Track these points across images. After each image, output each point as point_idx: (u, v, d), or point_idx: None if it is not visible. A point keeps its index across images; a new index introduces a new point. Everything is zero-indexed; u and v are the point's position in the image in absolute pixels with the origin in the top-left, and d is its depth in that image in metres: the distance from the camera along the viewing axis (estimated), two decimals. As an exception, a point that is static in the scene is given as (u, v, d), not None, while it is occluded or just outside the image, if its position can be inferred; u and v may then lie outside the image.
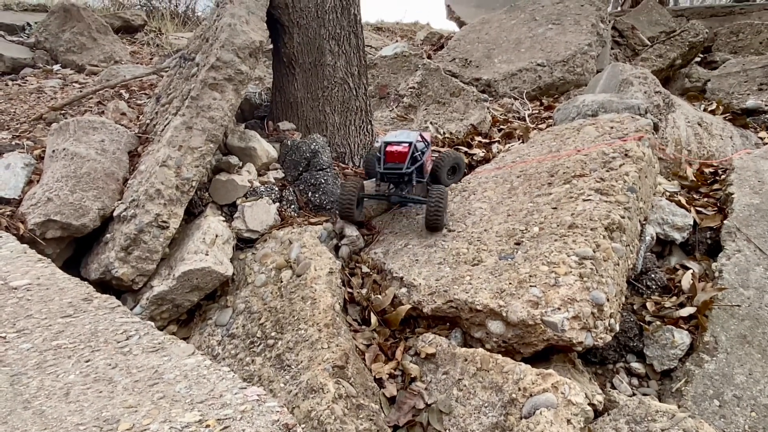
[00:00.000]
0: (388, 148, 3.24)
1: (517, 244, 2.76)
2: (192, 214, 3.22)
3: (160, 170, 2.88)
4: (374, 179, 3.63)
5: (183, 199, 2.95)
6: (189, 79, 3.34)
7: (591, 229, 2.65)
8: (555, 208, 2.91)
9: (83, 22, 6.49)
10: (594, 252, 2.51)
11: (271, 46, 4.30)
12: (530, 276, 2.48)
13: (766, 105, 5.59)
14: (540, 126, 4.74)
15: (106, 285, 2.91)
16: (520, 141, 4.16)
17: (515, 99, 5.94)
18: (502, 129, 4.66)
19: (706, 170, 4.21)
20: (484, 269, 2.65)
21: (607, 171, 3.06)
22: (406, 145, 3.23)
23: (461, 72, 6.54)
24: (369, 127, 4.28)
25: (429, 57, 7.22)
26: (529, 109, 5.29)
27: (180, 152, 2.94)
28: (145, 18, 8.53)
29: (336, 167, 3.98)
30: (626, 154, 3.15)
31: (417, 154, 3.30)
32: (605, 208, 2.76)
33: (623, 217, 2.72)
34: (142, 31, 8.27)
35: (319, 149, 3.62)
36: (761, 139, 5.15)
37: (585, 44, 6.33)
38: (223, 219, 3.18)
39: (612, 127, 3.69)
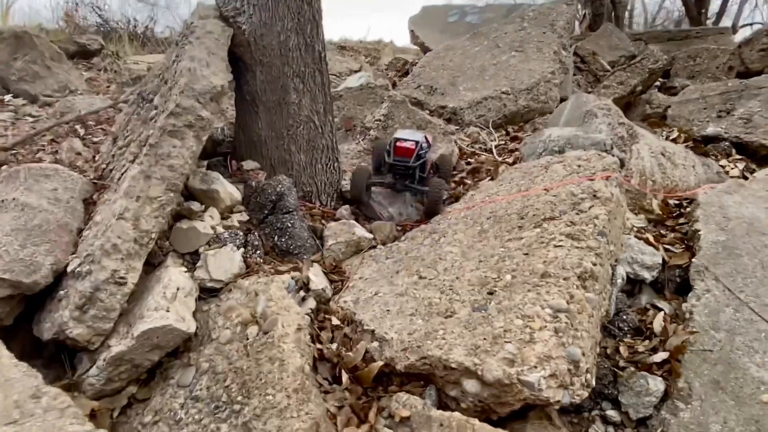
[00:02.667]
0: (398, 144, 3.96)
1: (490, 293, 2.70)
2: (152, 264, 3.08)
3: (117, 223, 2.74)
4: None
5: (142, 252, 2.81)
6: (147, 122, 3.21)
7: (564, 279, 2.61)
8: (527, 254, 2.87)
9: (36, 50, 6.27)
10: (568, 304, 2.47)
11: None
12: (505, 331, 2.43)
13: (725, 132, 5.71)
14: (507, 160, 4.73)
15: (60, 344, 2.74)
16: (489, 178, 4.14)
17: (481, 128, 5.95)
18: (470, 162, 4.63)
19: (671, 201, 4.25)
20: (457, 322, 2.58)
21: (577, 214, 3.04)
22: (413, 142, 3.94)
23: (427, 99, 6.53)
24: (336, 164, 4.20)
25: (394, 84, 7.20)
26: (495, 140, 5.29)
27: (138, 203, 2.80)
28: (102, 42, 8.30)
29: (303, 207, 3.89)
30: (595, 195, 3.14)
31: (422, 152, 3.97)
32: (577, 255, 2.73)
33: (595, 264, 2.69)
34: (98, 55, 8.04)
35: (285, 191, 3.52)
36: (722, 167, 5.25)
37: (548, 72, 6.38)
38: (185, 269, 3.05)
39: (579, 165, 3.69)
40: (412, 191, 4.08)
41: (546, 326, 2.39)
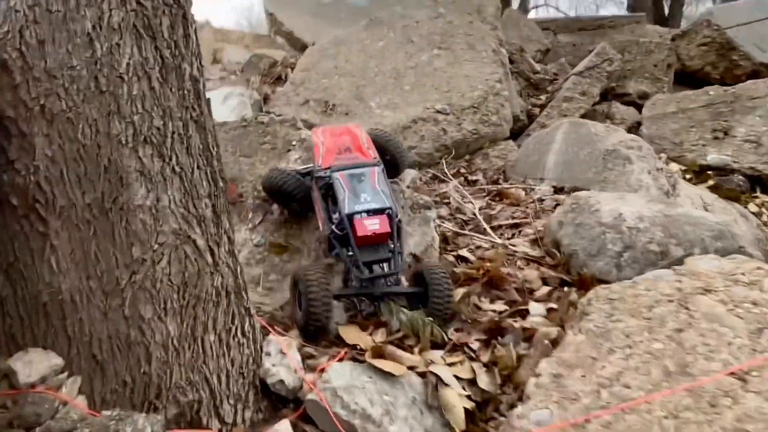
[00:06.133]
0: (359, 229, 2.30)
1: None
2: None
3: None
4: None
5: None
6: None
7: None
8: None
9: None
10: None
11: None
12: None
13: (734, 161, 4.33)
14: (509, 254, 2.77)
15: None
16: (558, 325, 2.11)
17: (419, 169, 3.95)
18: (472, 275, 2.53)
19: None
20: None
21: None
22: (380, 215, 2.35)
23: (324, 122, 4.33)
24: (248, 325, 1.94)
25: (266, 99, 4.85)
26: (473, 204, 3.27)
27: None
28: None
29: None
30: None
31: (397, 218, 2.40)
32: None
33: None
34: None
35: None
36: (754, 214, 3.84)
37: (494, 80, 4.54)
38: None
39: (752, 301, 1.89)
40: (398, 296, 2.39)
41: None
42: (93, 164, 1.58)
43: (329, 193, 2.49)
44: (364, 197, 2.37)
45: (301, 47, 6.06)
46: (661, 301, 2.02)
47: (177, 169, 1.70)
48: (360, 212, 2.32)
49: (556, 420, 1.75)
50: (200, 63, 1.79)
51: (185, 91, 1.71)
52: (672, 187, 3.27)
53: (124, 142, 1.60)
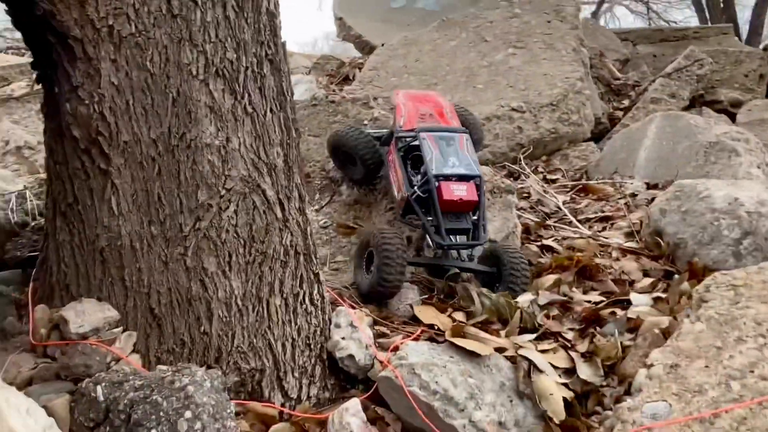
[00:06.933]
0: (445, 192, 2.11)
1: None
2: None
3: None
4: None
5: None
6: None
7: None
8: None
9: None
10: None
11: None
12: None
13: None
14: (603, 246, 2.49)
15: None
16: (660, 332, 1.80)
17: (493, 165, 3.71)
18: (561, 264, 2.26)
19: None
20: None
21: None
22: (468, 182, 2.16)
23: (390, 120, 4.16)
24: (317, 294, 1.75)
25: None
26: (557, 199, 3.01)
27: None
28: None
29: (240, 414, 1.43)
30: None
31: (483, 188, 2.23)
32: None
33: None
34: None
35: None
36: None
37: (575, 78, 4.28)
38: None
39: None
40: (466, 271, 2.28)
41: None
42: (161, 96, 1.45)
43: (409, 156, 2.31)
44: (453, 161, 2.18)
45: (369, 51, 5.97)
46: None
47: (249, 109, 1.55)
48: (448, 176, 2.13)
49: (676, 414, 1.46)
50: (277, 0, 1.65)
51: (261, 25, 1.57)
52: (784, 184, 2.91)
53: (194, 72, 1.46)
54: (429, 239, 2.20)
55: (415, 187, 2.17)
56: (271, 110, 1.61)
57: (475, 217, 2.15)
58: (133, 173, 1.47)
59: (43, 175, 2.27)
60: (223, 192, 1.52)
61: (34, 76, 1.79)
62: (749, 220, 2.09)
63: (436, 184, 2.11)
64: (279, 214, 1.62)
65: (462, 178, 2.14)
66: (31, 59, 1.65)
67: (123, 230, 1.48)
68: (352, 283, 2.27)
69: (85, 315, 1.48)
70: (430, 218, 2.14)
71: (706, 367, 1.57)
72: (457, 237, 2.16)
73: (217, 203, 1.51)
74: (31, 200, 2.14)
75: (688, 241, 2.21)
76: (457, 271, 2.24)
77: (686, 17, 16.53)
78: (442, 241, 2.08)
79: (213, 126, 1.50)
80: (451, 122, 2.43)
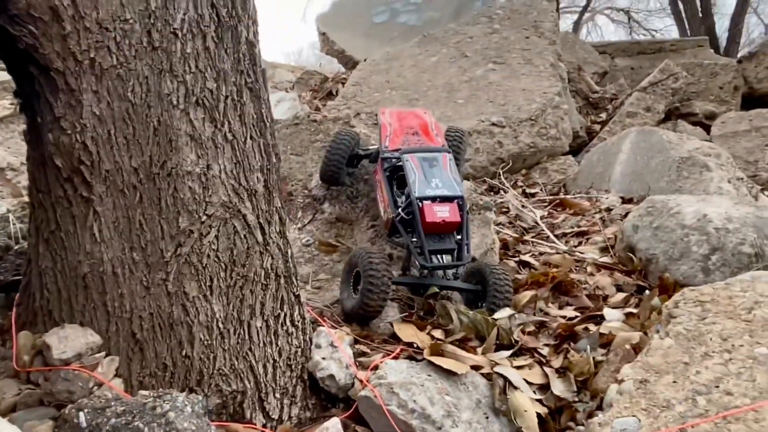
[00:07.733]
0: (428, 214, 2.14)
1: None
2: None
3: None
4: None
5: None
6: None
7: None
8: None
9: None
10: None
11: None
12: None
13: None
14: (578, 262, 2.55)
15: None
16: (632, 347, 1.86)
17: (474, 179, 3.77)
18: (537, 280, 2.33)
19: None
20: None
21: None
22: (450, 204, 2.19)
23: (374, 134, 4.22)
24: (297, 315, 1.78)
25: (317, 110, 4.81)
26: (534, 213, 3.07)
27: None
28: None
29: None
30: None
31: (465, 207, 2.27)
32: None
33: None
34: None
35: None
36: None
37: (552, 93, 4.37)
38: None
39: None
40: (451, 290, 2.32)
41: None
42: (142, 125, 1.48)
43: (394, 177, 2.36)
44: (436, 183, 2.23)
45: (352, 66, 6.03)
46: (761, 302, 1.78)
47: (229, 136, 1.59)
48: (430, 197, 2.18)
49: (644, 429, 1.52)
50: (257, 29, 1.70)
51: (240, 55, 1.61)
52: (754, 198, 3.00)
53: (175, 102, 1.50)
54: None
55: (399, 209, 2.22)
56: (251, 137, 1.65)
57: (458, 237, 2.19)
58: (115, 201, 1.50)
59: (27, 199, 2.29)
60: (203, 218, 1.55)
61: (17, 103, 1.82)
62: (717, 237, 2.17)
63: (420, 205, 2.15)
64: (260, 238, 1.66)
65: (445, 199, 2.18)
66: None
67: (105, 256, 1.51)
68: (335, 301, 2.31)
69: (68, 341, 1.50)
70: (415, 239, 2.18)
71: (674, 382, 1.63)
72: (442, 257, 2.21)
73: (198, 229, 1.55)
74: (14, 224, 2.16)
75: (660, 256, 2.28)
76: (437, 289, 2.29)
77: (666, 26, 16.80)
78: (425, 262, 2.12)
79: (193, 154, 1.54)
80: (436, 140, 2.49)
